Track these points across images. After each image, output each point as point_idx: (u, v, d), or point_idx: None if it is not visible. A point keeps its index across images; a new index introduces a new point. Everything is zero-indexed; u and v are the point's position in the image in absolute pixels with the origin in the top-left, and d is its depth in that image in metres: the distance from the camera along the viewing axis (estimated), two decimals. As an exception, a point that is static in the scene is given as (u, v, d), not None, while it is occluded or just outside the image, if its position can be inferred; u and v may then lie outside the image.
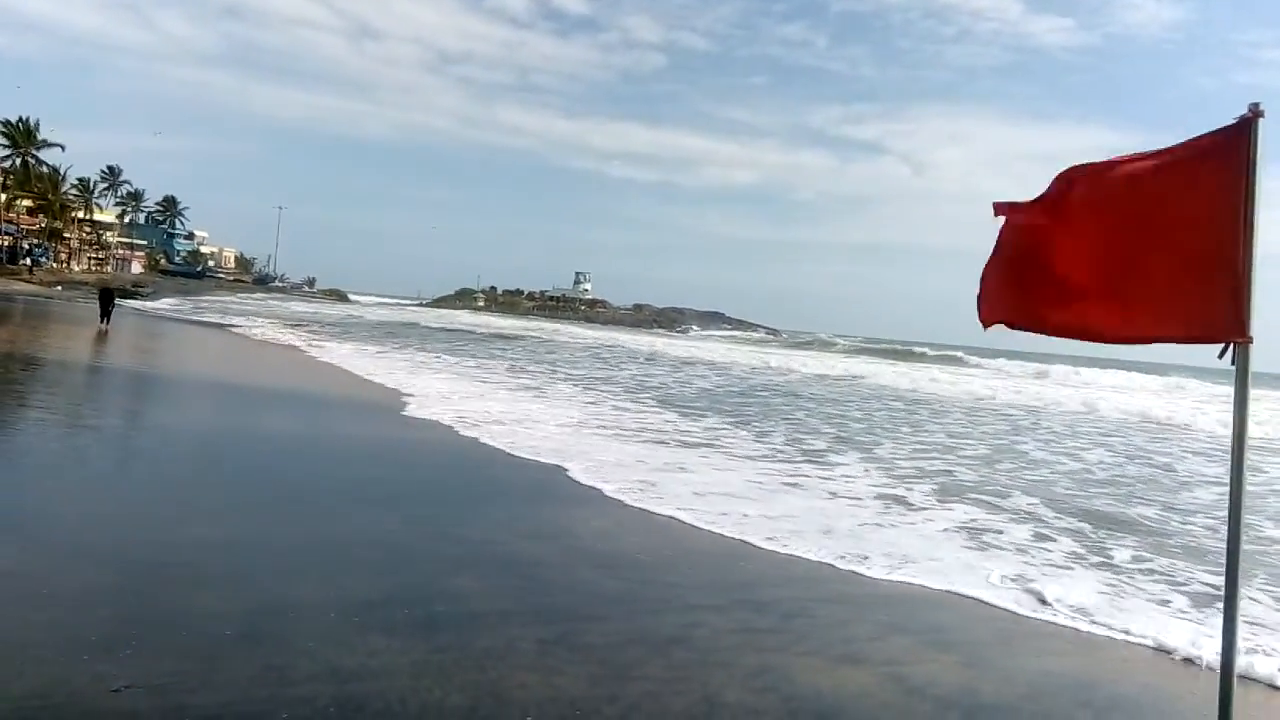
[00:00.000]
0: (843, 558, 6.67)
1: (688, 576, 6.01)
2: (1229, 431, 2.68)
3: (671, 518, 7.64)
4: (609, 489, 8.58)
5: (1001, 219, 3.07)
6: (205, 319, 40.71)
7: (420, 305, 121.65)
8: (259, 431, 11.19)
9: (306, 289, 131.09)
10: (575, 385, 20.94)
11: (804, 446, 12.90)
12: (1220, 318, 2.55)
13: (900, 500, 9.23)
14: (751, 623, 5.14)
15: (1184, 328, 2.63)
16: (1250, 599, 6.20)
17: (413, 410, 13.60)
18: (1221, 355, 2.58)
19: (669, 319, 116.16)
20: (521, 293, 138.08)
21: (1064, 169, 2.86)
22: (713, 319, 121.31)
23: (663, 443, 12.20)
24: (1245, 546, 2.84)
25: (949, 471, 11.58)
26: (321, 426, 12.36)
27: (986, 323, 3.09)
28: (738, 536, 7.15)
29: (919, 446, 14.04)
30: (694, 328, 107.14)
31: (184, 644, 4.02)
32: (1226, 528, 2.71)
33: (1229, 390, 2.70)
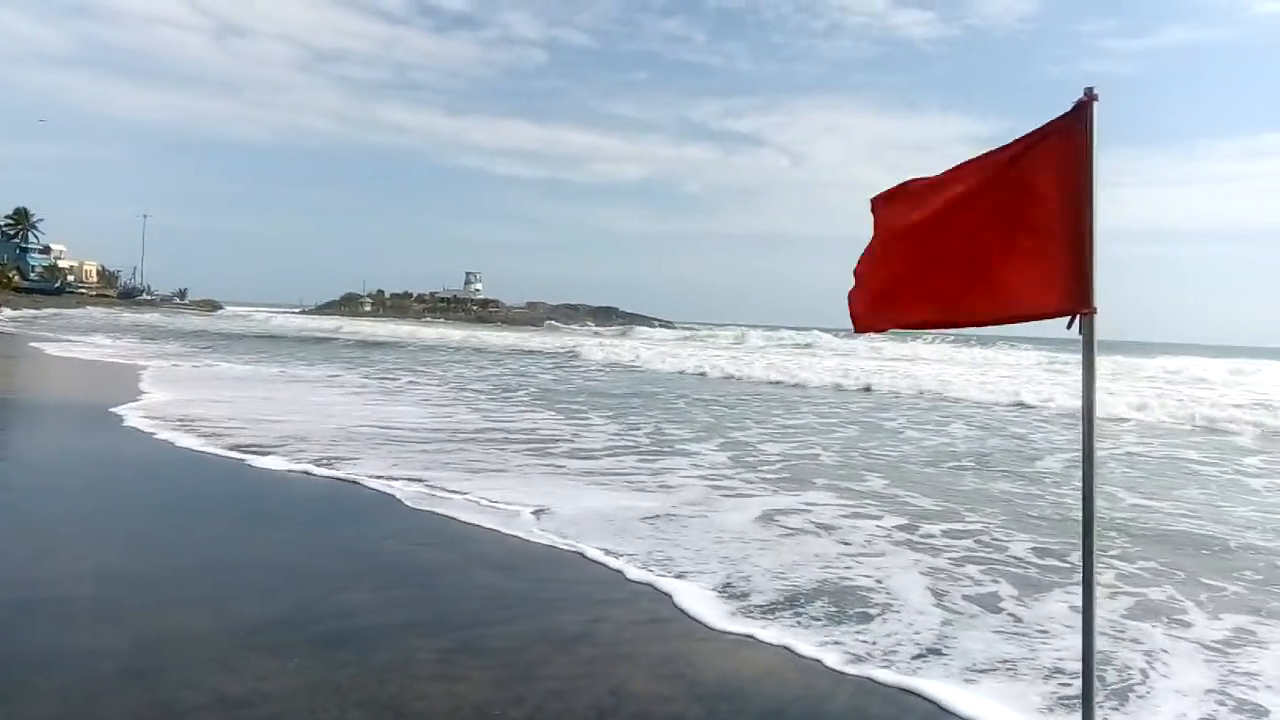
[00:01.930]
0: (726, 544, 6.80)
1: (587, 573, 6.01)
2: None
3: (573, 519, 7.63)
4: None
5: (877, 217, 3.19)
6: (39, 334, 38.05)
7: (302, 313, 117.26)
8: (94, 451, 10.52)
9: (178, 301, 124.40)
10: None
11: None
12: (1068, 292, 2.74)
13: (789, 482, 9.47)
14: (656, 613, 5.19)
15: (1038, 304, 2.80)
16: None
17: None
18: (1070, 326, 2.77)
19: (564, 316, 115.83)
20: (411, 295, 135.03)
21: (916, 178, 3.02)
22: (606, 314, 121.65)
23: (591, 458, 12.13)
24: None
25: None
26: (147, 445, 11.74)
27: (862, 328, 3.21)
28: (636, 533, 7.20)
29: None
30: (600, 325, 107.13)
31: (62, 685, 3.79)
32: (1081, 493, 2.90)
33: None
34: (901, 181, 3.08)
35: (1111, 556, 6.70)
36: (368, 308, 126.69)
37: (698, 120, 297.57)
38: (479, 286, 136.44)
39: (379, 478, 8.81)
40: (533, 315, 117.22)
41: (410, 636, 4.61)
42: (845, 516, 7.95)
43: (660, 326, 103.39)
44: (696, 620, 5.06)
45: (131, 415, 12.62)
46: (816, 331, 56.64)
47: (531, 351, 41.12)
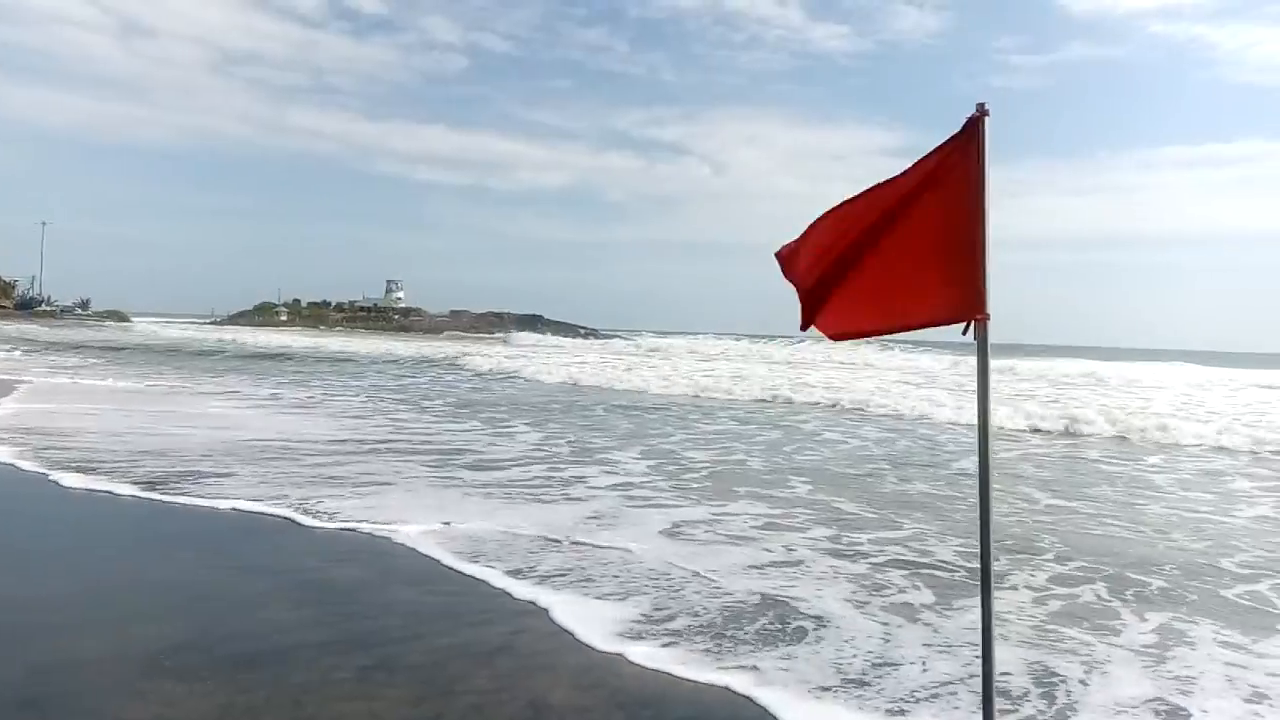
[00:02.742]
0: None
1: (507, 587, 5.95)
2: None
3: (502, 528, 7.57)
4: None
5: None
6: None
7: (213, 323, 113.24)
8: None
9: (80, 312, 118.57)
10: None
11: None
12: (964, 299, 2.87)
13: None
14: (570, 622, 5.16)
15: (938, 312, 2.93)
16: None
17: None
18: (965, 332, 2.90)
19: (488, 324, 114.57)
20: (329, 304, 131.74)
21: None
22: (531, 322, 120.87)
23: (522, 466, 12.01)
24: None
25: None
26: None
27: (807, 326, 3.31)
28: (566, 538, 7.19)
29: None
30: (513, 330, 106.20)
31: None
32: (978, 495, 3.04)
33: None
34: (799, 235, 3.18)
35: (1042, 559, 7.01)
36: (283, 318, 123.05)
37: (620, 129, 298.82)
38: (401, 295, 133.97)
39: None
40: (456, 324, 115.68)
41: (327, 655, 4.51)
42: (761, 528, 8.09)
43: (586, 335, 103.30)
44: (614, 630, 5.07)
45: None
46: (729, 340, 57.52)
47: (401, 359, 40.59)
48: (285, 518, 7.69)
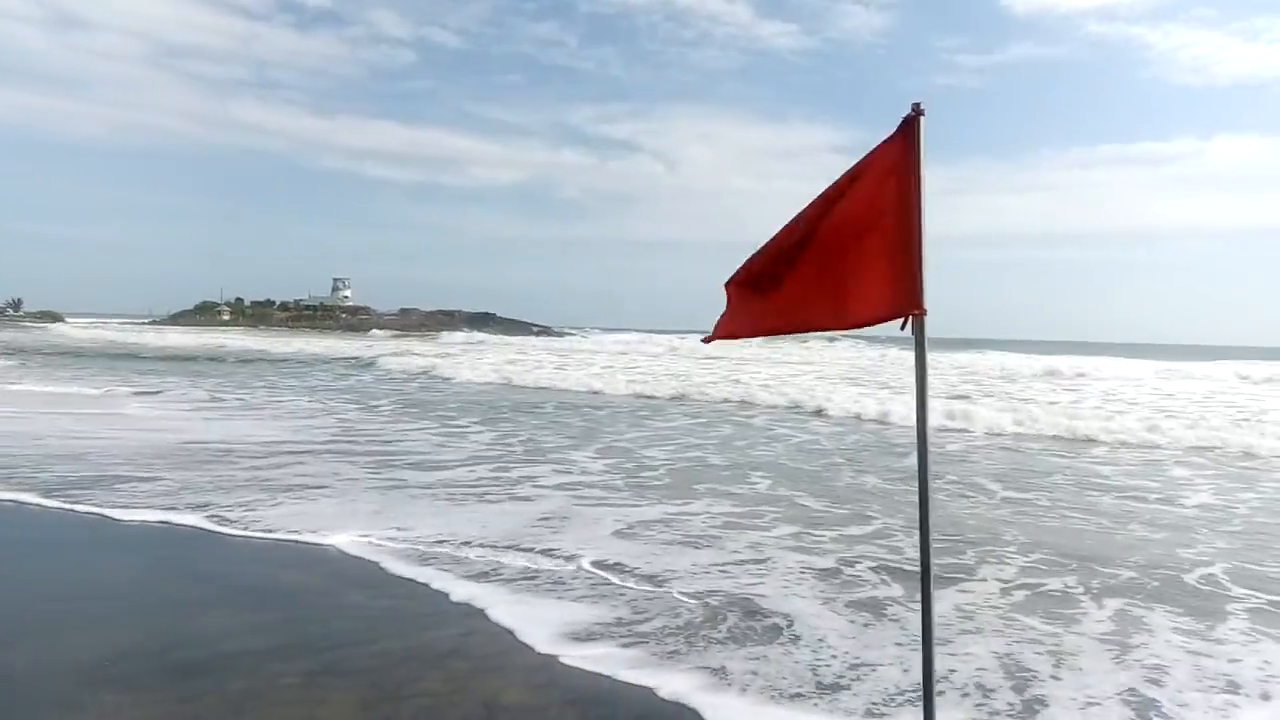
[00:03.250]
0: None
1: (460, 588, 5.90)
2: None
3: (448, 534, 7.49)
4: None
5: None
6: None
7: (151, 324, 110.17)
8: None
9: (10, 312, 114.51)
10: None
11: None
12: (901, 295, 2.91)
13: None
14: (523, 623, 5.12)
15: (878, 308, 2.96)
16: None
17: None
18: (903, 327, 2.94)
19: (438, 322, 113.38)
20: (273, 303, 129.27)
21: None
22: (483, 320, 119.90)
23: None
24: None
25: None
26: None
27: (714, 339, 3.33)
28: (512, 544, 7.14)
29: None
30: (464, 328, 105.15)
31: None
32: (917, 493, 3.09)
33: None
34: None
35: (1005, 550, 7.15)
36: (225, 317, 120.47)
37: (573, 125, 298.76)
38: (348, 294, 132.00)
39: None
40: (406, 322, 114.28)
41: (270, 661, 4.42)
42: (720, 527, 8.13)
43: (539, 333, 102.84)
44: (566, 631, 5.05)
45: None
46: (675, 337, 57.82)
47: (310, 360, 39.47)
48: (220, 522, 7.52)
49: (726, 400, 21.28)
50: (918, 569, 6.29)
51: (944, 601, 5.62)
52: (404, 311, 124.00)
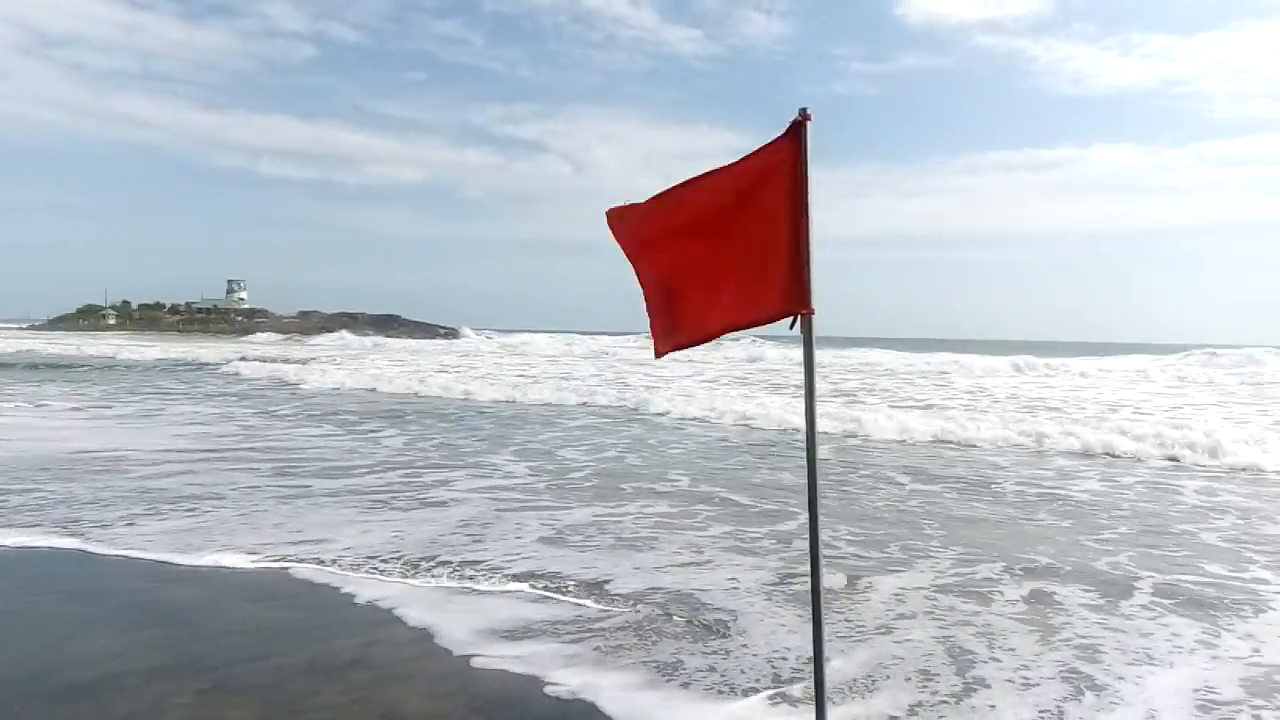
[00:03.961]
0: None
1: (362, 596, 5.74)
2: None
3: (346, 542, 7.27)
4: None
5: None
6: None
7: (29, 329, 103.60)
8: None
9: None
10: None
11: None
12: (789, 295, 2.98)
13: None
14: (431, 629, 5.06)
15: (769, 308, 3.02)
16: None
17: None
18: (792, 326, 3.01)
19: (340, 324, 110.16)
20: (163, 306, 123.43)
21: (652, 197, 3.17)
22: (388, 322, 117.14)
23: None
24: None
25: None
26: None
27: (660, 354, 3.35)
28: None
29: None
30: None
31: None
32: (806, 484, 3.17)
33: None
34: (632, 203, 3.23)
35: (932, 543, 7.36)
36: (111, 321, 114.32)
37: (478, 124, 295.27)
38: (243, 295, 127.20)
39: None
40: (306, 325, 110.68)
41: (158, 681, 4.21)
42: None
43: (446, 335, 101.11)
44: (474, 635, 4.98)
45: None
46: (574, 336, 57.98)
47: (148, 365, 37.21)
48: (100, 537, 7.12)
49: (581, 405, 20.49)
50: (852, 560, 6.59)
51: (880, 591, 5.87)
52: (303, 314, 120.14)
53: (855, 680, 4.36)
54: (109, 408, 18.08)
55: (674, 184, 3.14)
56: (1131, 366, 33.63)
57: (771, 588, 5.88)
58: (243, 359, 39.59)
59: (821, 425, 15.19)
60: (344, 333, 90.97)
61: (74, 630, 4.97)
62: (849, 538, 7.40)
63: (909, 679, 4.37)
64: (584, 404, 20.47)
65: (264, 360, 38.82)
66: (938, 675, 4.42)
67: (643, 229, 3.19)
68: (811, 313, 2.97)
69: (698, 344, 3.22)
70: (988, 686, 4.29)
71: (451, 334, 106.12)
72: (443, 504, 8.67)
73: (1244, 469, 11.23)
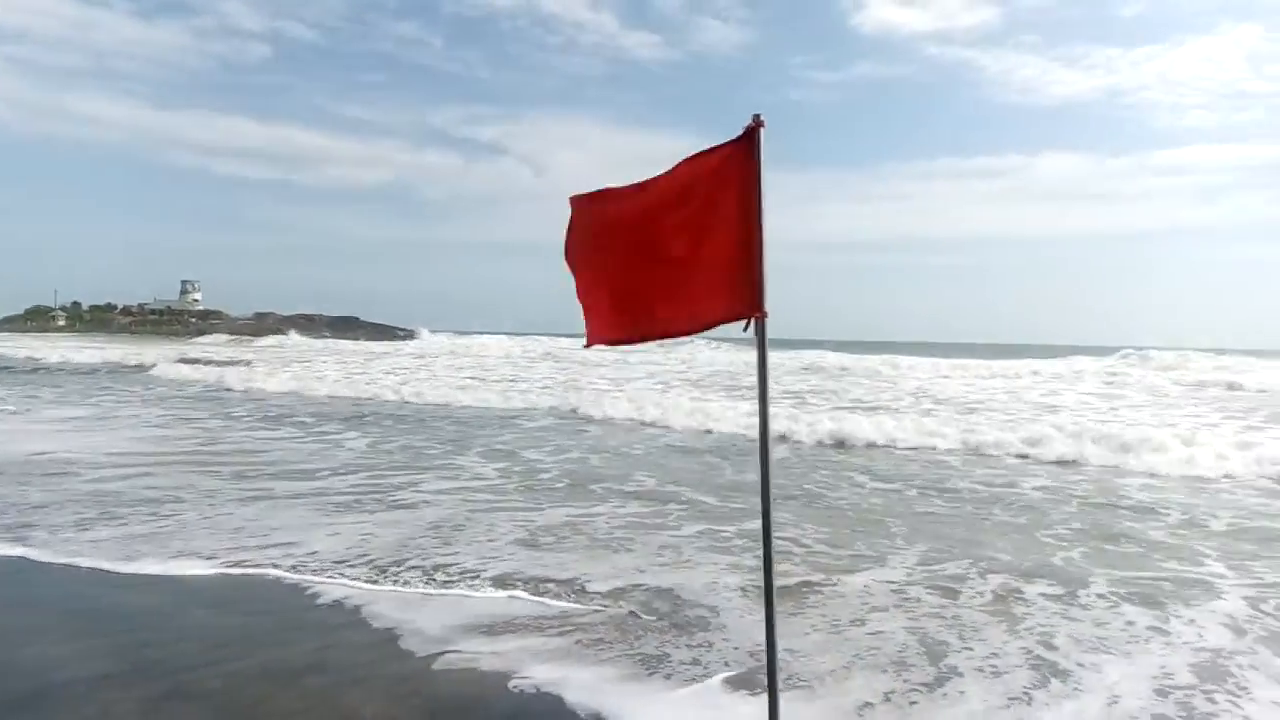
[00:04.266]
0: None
1: (321, 599, 5.67)
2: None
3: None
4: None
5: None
6: None
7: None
8: None
9: None
10: None
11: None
12: (743, 298, 3.01)
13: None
14: (394, 631, 5.01)
15: (723, 311, 3.06)
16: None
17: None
18: (746, 329, 3.04)
19: (297, 327, 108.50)
20: (115, 307, 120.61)
21: (606, 188, 3.19)
22: (347, 324, 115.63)
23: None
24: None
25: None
26: None
27: (591, 343, 3.34)
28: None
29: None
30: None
31: None
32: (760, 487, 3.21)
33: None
34: (600, 189, 3.24)
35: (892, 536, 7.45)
36: (60, 322, 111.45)
37: (438, 126, 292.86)
38: (198, 297, 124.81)
39: None
40: (261, 326, 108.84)
41: (107, 688, 4.12)
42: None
43: (404, 337, 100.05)
44: (432, 636, 4.94)
45: None
46: (534, 338, 57.96)
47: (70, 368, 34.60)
48: (44, 542, 6.94)
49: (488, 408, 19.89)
50: (826, 557, 6.67)
51: (851, 586, 6.01)
52: (259, 316, 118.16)
53: (834, 670, 4.48)
54: None
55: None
56: (1069, 368, 34.60)
57: (750, 583, 5.94)
58: (183, 360, 36.94)
59: (779, 427, 15.59)
60: (293, 333, 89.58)
61: (15, 639, 4.84)
62: (816, 535, 7.49)
63: (883, 671, 4.48)
64: (535, 408, 20.00)
65: (201, 363, 36.05)
66: (911, 666, 4.56)
67: (600, 220, 3.20)
68: (765, 316, 3.01)
69: (645, 341, 3.24)
70: (960, 675, 4.43)
71: (410, 335, 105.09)
72: (412, 506, 8.60)
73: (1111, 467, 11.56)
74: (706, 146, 3.02)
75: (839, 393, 24.03)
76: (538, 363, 40.85)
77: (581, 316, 3.37)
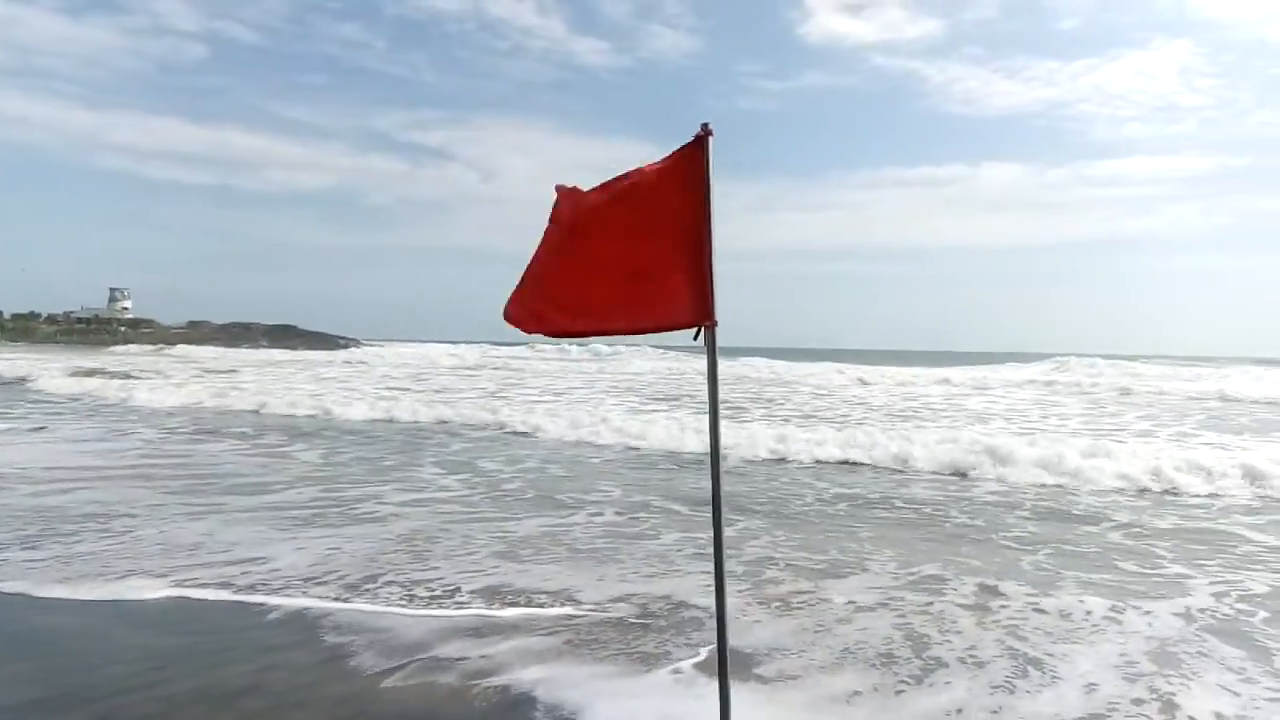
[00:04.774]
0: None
1: (263, 618, 5.52)
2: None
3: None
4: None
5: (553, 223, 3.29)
6: None
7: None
8: None
9: None
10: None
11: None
12: (694, 306, 3.04)
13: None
14: (337, 651, 4.91)
15: (673, 316, 3.08)
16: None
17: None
18: (696, 337, 3.07)
19: (232, 336, 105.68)
20: (39, 316, 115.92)
21: (564, 188, 3.18)
22: (284, 333, 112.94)
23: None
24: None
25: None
26: None
27: (514, 324, 3.28)
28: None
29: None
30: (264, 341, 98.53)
31: None
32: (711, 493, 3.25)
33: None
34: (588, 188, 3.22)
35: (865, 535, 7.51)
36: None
37: (382, 130, 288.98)
38: (128, 304, 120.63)
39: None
40: (194, 335, 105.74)
41: (32, 716, 3.96)
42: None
43: (345, 346, 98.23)
44: (385, 650, 4.86)
45: None
46: (481, 346, 57.58)
47: None
48: (-20, 563, 6.62)
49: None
50: (807, 564, 6.79)
51: (835, 589, 6.19)
52: (193, 324, 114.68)
53: (824, 665, 4.70)
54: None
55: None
56: (997, 378, 36.16)
57: (743, 589, 6.06)
58: (79, 373, 32.47)
59: (731, 438, 15.65)
60: (269, 344, 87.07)
61: (-63, 666, 4.62)
62: (791, 544, 7.60)
63: (872, 665, 4.71)
64: (472, 421, 18.60)
65: (101, 374, 32.56)
66: (897, 659, 4.80)
67: (561, 217, 3.18)
68: (715, 324, 3.04)
69: (587, 335, 3.26)
70: (944, 666, 4.70)
71: (351, 344, 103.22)
72: (380, 519, 8.42)
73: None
74: (655, 153, 3.07)
75: (777, 401, 24.37)
76: (480, 370, 40.48)
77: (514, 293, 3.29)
